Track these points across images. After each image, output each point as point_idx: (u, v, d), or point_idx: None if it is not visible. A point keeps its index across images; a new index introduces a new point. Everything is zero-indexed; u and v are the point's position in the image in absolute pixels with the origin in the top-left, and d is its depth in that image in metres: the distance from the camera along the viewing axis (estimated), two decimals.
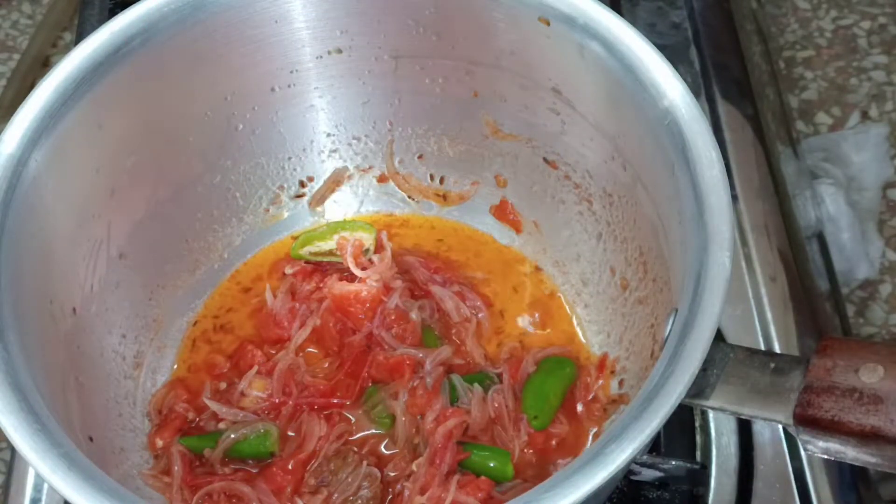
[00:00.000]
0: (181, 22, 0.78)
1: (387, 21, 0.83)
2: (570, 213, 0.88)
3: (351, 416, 0.83)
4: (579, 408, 0.82)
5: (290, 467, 0.79)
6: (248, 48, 0.83)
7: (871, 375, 0.63)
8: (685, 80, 0.72)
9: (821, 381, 0.64)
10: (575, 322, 0.88)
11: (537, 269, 0.92)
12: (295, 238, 0.93)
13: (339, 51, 0.86)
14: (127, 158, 0.80)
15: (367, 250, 0.90)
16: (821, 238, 1.05)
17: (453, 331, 0.87)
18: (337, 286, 0.87)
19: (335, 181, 0.95)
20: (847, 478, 0.83)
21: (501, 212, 0.93)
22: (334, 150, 0.93)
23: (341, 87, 0.88)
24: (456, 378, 0.82)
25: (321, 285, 0.88)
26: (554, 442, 0.80)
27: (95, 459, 0.63)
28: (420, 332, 0.85)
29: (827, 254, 1.04)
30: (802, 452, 0.82)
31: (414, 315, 0.85)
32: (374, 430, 0.82)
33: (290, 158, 0.92)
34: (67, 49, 0.84)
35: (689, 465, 0.81)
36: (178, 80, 0.81)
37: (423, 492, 0.76)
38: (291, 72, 0.86)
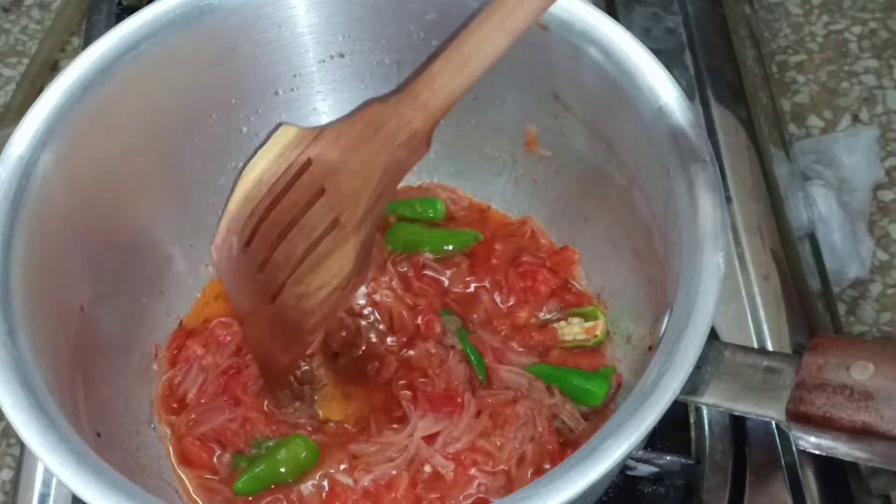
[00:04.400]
0: (187, 27, 0.79)
1: (388, 26, 0.84)
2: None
3: None
4: None
5: None
6: (252, 52, 0.83)
7: (861, 373, 0.64)
8: (680, 83, 0.73)
9: (813, 379, 0.65)
10: None
11: None
12: None
13: (342, 55, 0.87)
14: (133, 160, 0.81)
15: None
16: (813, 238, 1.05)
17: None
18: None
19: None
20: (838, 472, 0.84)
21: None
22: None
23: (343, 91, 0.89)
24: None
25: None
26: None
27: (103, 454, 0.64)
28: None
29: (819, 254, 1.04)
30: (794, 448, 0.82)
31: None
32: None
33: None
34: (75, 53, 0.85)
35: (683, 460, 0.82)
36: (184, 84, 0.82)
37: None
38: (294, 76, 0.87)
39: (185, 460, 0.82)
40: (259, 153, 0.70)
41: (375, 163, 0.68)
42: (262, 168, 0.70)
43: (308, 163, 0.69)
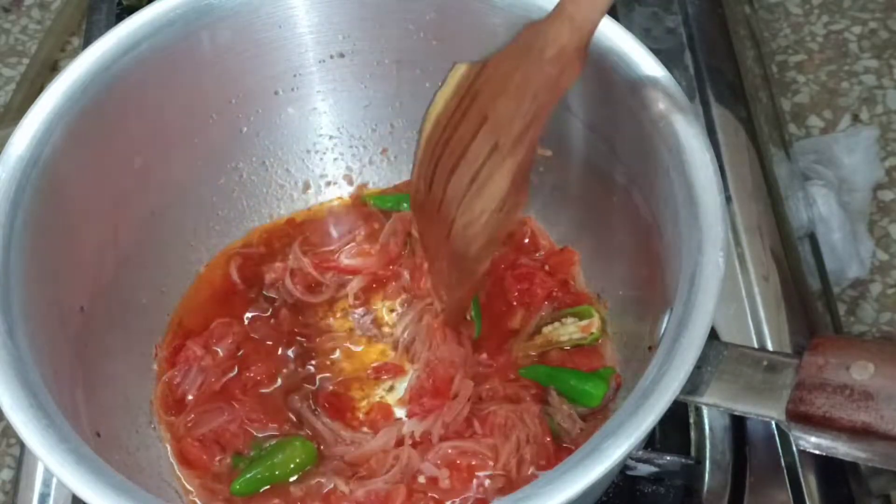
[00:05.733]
0: (187, 27, 0.79)
1: (388, 26, 0.84)
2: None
3: None
4: None
5: None
6: (252, 52, 0.84)
7: (861, 372, 0.64)
8: (680, 83, 0.74)
9: (813, 378, 0.65)
10: None
11: None
12: None
13: (342, 55, 0.87)
14: (133, 160, 0.81)
15: None
16: (813, 238, 1.05)
17: None
18: None
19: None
20: (838, 472, 0.84)
21: None
22: (337, 152, 0.94)
23: (343, 91, 0.89)
24: None
25: None
26: None
27: (102, 454, 0.64)
28: None
29: (819, 254, 1.04)
30: (794, 448, 0.82)
31: None
32: None
33: (293, 160, 0.93)
34: (75, 54, 0.85)
35: (683, 460, 0.82)
36: (184, 84, 0.82)
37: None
38: (295, 75, 0.87)
39: (185, 461, 0.82)
40: (437, 95, 0.72)
41: (528, 82, 0.68)
42: (439, 109, 0.71)
43: (475, 94, 0.70)
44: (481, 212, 0.71)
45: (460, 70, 0.71)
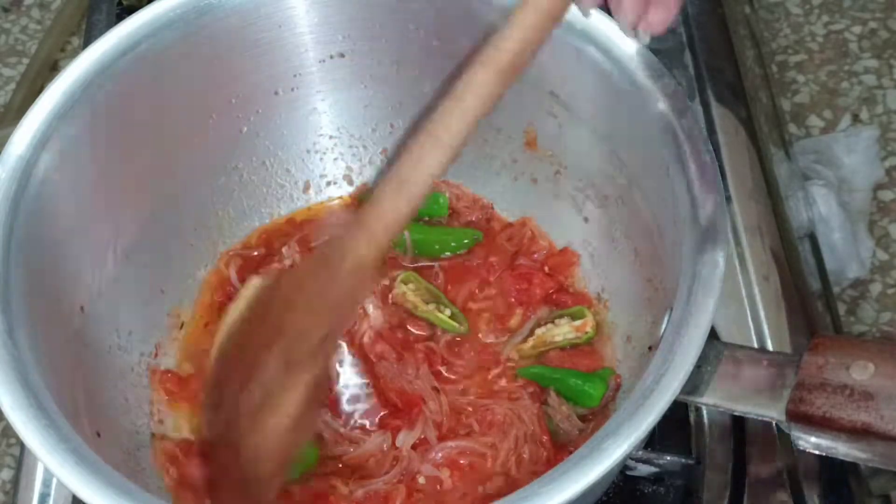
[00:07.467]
0: (187, 27, 0.79)
1: (388, 26, 0.84)
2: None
3: None
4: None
5: None
6: (252, 52, 0.84)
7: (861, 373, 0.64)
8: (680, 83, 0.74)
9: (812, 379, 0.64)
10: None
11: None
12: None
13: (342, 55, 0.87)
14: (134, 160, 0.81)
15: None
16: (813, 238, 1.05)
17: None
18: None
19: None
20: (838, 473, 0.84)
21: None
22: (337, 152, 0.94)
23: (343, 91, 0.89)
24: None
25: None
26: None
27: (103, 454, 0.64)
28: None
29: (819, 254, 1.04)
30: (794, 448, 0.82)
31: None
32: None
33: (293, 160, 0.93)
34: (75, 54, 0.85)
35: (683, 460, 0.82)
36: (184, 84, 0.82)
37: None
38: (295, 76, 0.87)
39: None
40: (230, 308, 0.72)
41: (325, 294, 0.67)
42: (230, 322, 0.71)
43: (270, 307, 0.69)
44: (273, 429, 0.68)
45: (254, 282, 0.70)
